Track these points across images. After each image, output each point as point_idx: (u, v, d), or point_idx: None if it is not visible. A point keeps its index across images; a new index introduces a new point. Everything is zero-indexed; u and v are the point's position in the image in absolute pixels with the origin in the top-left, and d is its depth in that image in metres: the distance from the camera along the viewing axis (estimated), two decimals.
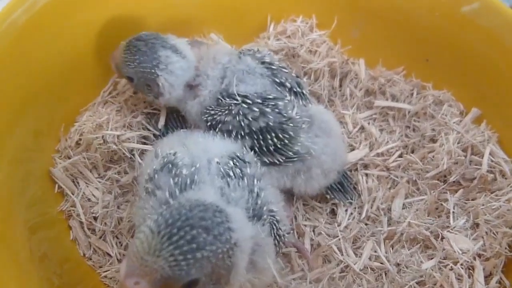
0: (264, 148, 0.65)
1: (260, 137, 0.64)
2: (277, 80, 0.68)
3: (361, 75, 0.84)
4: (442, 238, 0.67)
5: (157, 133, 0.75)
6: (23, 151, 0.66)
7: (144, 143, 0.73)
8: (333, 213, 0.73)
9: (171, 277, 0.43)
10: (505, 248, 0.64)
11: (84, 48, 0.74)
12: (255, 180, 0.57)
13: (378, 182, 0.75)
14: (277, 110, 0.65)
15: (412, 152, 0.77)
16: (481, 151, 0.72)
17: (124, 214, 0.68)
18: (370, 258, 0.67)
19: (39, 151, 0.70)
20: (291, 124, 0.65)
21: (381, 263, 0.66)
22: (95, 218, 0.69)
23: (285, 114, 0.65)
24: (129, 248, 0.46)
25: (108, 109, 0.76)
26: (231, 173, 0.56)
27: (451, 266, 0.64)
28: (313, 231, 0.71)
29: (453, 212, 0.69)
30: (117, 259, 0.67)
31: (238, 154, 0.60)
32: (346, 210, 0.72)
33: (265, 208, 0.56)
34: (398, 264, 0.66)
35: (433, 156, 0.74)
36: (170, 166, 0.57)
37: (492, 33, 0.73)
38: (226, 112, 0.65)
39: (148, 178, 0.57)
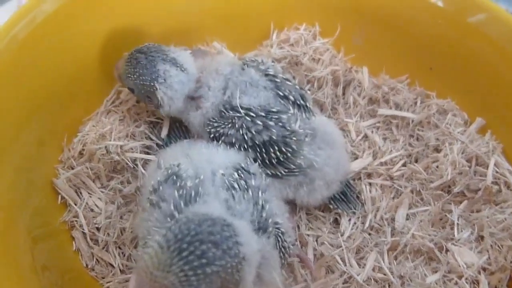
0: (267, 161, 0.65)
1: (263, 150, 0.64)
2: (281, 93, 0.67)
3: (365, 83, 0.84)
4: (447, 250, 0.66)
5: (160, 142, 0.74)
6: (27, 160, 0.66)
7: (147, 153, 0.73)
8: (336, 222, 0.73)
9: None
10: (511, 262, 0.64)
11: (87, 58, 0.74)
12: (260, 192, 0.57)
13: (382, 191, 0.74)
14: (280, 123, 0.65)
15: (416, 161, 0.77)
16: (485, 161, 0.72)
17: (127, 224, 0.68)
18: (373, 269, 0.67)
19: (42, 161, 0.70)
20: (294, 138, 0.65)
21: (385, 275, 0.66)
22: (98, 229, 0.68)
23: (288, 128, 0.65)
24: (137, 263, 0.45)
25: (111, 119, 0.75)
26: (236, 185, 0.56)
27: (456, 281, 0.63)
28: (316, 240, 0.70)
29: (457, 224, 0.68)
30: (120, 270, 0.67)
31: (243, 165, 0.60)
32: (350, 220, 0.72)
33: (270, 221, 0.56)
34: (401, 277, 0.65)
35: (437, 166, 0.73)
36: (175, 177, 0.56)
37: (497, 43, 0.73)
38: (230, 125, 0.65)
39: (152, 190, 0.57)
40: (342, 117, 0.81)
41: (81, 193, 0.71)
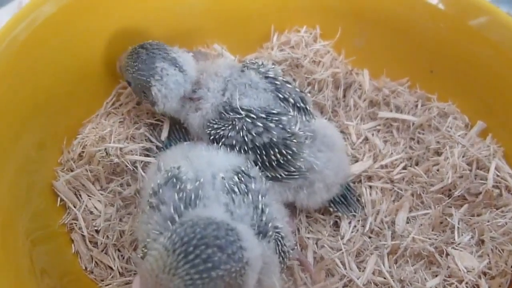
0: (267, 163, 0.64)
1: (263, 152, 0.64)
2: (281, 96, 0.67)
3: (365, 85, 0.84)
4: (447, 254, 0.66)
5: (160, 145, 0.74)
6: (27, 163, 0.66)
7: (147, 155, 0.72)
8: (336, 225, 0.73)
9: None
10: (511, 267, 0.64)
11: (87, 60, 0.74)
12: (260, 196, 0.57)
13: (382, 194, 0.74)
14: (281, 125, 0.64)
15: (417, 164, 0.77)
16: (486, 165, 0.72)
17: (126, 227, 0.68)
18: (373, 273, 0.67)
19: (42, 163, 0.69)
20: (294, 140, 0.65)
21: (385, 278, 0.66)
22: (97, 231, 0.68)
23: (288, 130, 0.65)
24: (142, 265, 0.45)
25: (111, 121, 0.75)
26: (236, 189, 0.56)
27: (456, 285, 0.63)
28: (316, 243, 0.70)
29: (458, 227, 0.68)
30: (119, 273, 0.66)
31: (243, 169, 0.59)
32: (350, 223, 0.72)
33: (270, 225, 0.55)
34: (402, 280, 0.65)
35: (438, 170, 0.73)
36: (175, 180, 0.56)
37: (499, 46, 0.72)
38: (230, 127, 0.65)
39: (152, 193, 0.57)
40: (342, 119, 0.81)
41: (80, 195, 0.70)
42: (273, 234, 0.55)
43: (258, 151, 0.64)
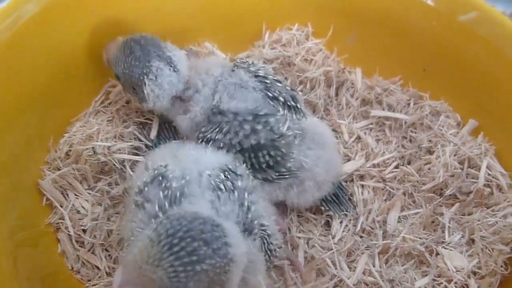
0: (257, 166, 0.64)
1: (252, 154, 0.63)
2: (270, 94, 0.67)
3: (358, 84, 0.83)
4: (437, 254, 0.66)
5: (149, 143, 0.74)
6: (13, 161, 0.66)
7: (136, 154, 0.72)
8: (328, 224, 0.72)
9: None
10: (501, 266, 0.63)
11: (76, 58, 0.73)
12: (246, 194, 0.56)
13: (374, 193, 0.74)
14: (268, 127, 0.64)
15: (409, 163, 0.76)
16: (478, 164, 0.71)
17: (114, 226, 0.67)
18: (364, 273, 0.66)
19: (29, 162, 0.69)
20: (283, 141, 0.64)
21: (375, 278, 0.65)
22: (84, 231, 0.68)
23: (276, 131, 0.64)
24: (125, 256, 0.45)
25: (99, 119, 0.75)
26: (222, 186, 0.55)
27: (445, 285, 0.63)
28: (307, 243, 0.69)
29: (448, 227, 0.68)
30: (106, 273, 0.66)
31: (230, 167, 0.59)
32: (341, 222, 0.71)
33: (256, 222, 0.55)
34: (392, 280, 0.65)
35: (429, 169, 0.72)
36: (161, 178, 0.56)
37: (490, 43, 0.72)
38: (217, 130, 0.65)
39: (138, 191, 0.56)
40: (335, 118, 0.81)
41: (67, 194, 0.70)
42: (258, 232, 0.55)
43: (247, 154, 0.63)
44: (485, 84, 0.74)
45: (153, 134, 0.74)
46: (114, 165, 0.70)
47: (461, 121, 0.78)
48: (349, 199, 0.73)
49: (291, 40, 0.84)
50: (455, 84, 0.78)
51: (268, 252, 0.56)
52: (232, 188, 0.56)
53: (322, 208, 0.71)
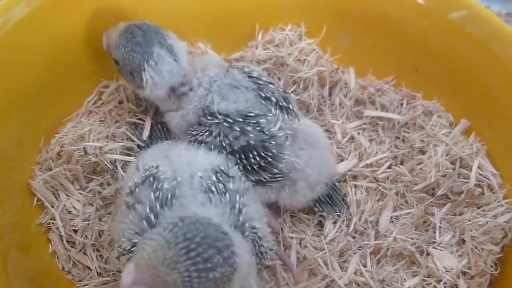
0: (248, 167, 0.64)
1: (243, 156, 0.63)
2: (263, 94, 0.66)
3: (351, 84, 0.83)
4: (428, 254, 0.66)
5: (141, 144, 0.74)
6: (4, 161, 0.65)
7: (128, 154, 0.72)
8: (321, 225, 0.72)
9: None
10: (491, 267, 0.63)
11: (68, 58, 0.73)
12: (238, 196, 0.56)
13: (367, 194, 0.74)
14: (258, 128, 0.64)
15: (402, 163, 0.76)
16: (469, 164, 0.71)
17: (106, 226, 0.67)
18: (355, 273, 0.66)
19: (21, 162, 0.69)
20: (273, 142, 0.64)
21: (366, 278, 0.65)
22: (75, 231, 0.67)
23: (267, 132, 0.64)
24: (137, 254, 0.44)
25: (91, 120, 0.74)
26: (214, 188, 0.55)
27: (434, 285, 0.63)
28: (300, 243, 0.69)
29: (439, 227, 0.68)
30: (97, 273, 0.66)
31: (222, 168, 0.59)
32: (334, 223, 0.71)
33: (247, 225, 0.55)
34: (382, 281, 0.65)
35: (421, 169, 0.72)
36: (152, 179, 0.55)
37: (481, 42, 0.72)
38: (207, 132, 0.65)
39: (128, 192, 0.56)
40: (328, 118, 0.81)
41: (58, 195, 0.69)
42: (250, 235, 0.54)
43: (237, 155, 0.63)
44: (477, 84, 0.74)
45: (146, 134, 0.74)
46: (106, 165, 0.69)
47: (454, 121, 0.78)
48: (343, 200, 0.73)
49: (284, 41, 0.84)
50: (448, 84, 0.78)
51: (259, 254, 0.56)
52: (223, 190, 0.55)
53: (316, 209, 0.71)
